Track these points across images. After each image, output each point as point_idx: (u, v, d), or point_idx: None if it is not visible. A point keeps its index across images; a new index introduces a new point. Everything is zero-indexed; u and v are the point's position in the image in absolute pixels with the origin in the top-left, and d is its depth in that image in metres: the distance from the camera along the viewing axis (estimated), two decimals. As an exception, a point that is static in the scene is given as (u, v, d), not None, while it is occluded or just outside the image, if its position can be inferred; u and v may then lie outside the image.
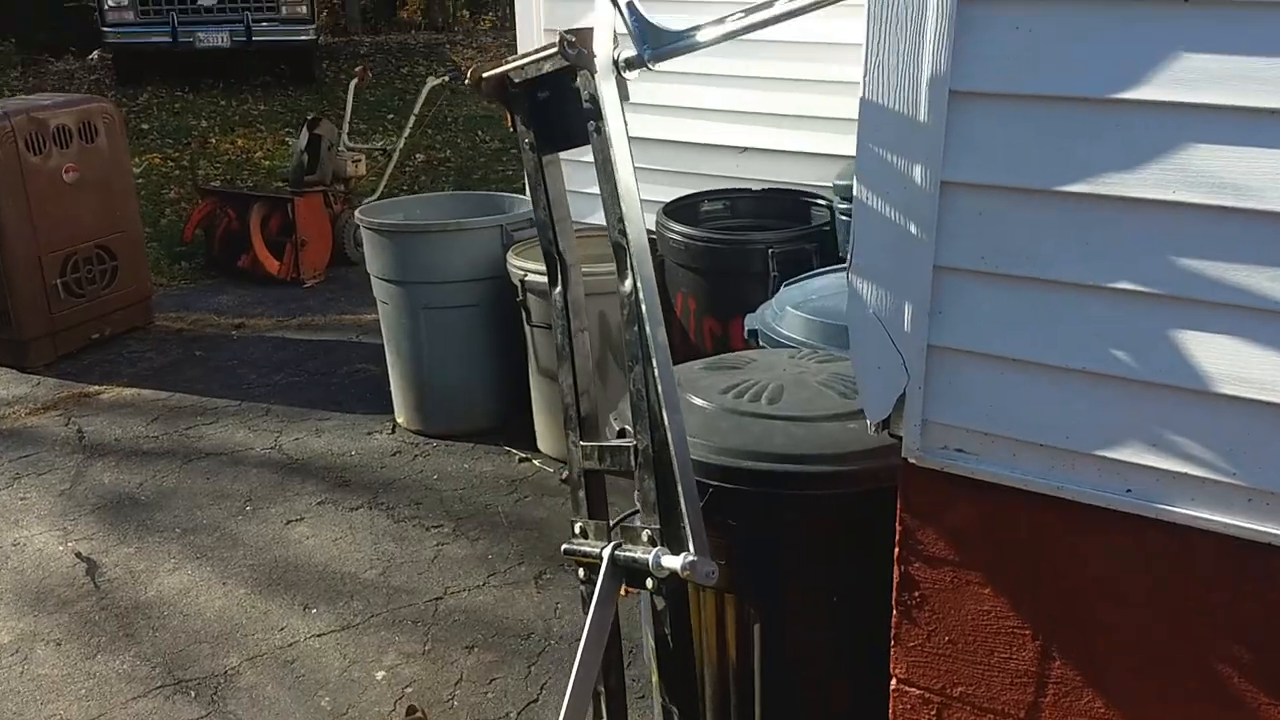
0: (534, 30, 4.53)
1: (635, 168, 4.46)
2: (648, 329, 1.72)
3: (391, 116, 11.01)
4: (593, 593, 1.89)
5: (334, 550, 3.54)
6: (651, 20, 1.68)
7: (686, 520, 1.74)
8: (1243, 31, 1.28)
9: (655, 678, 2.08)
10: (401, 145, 7.48)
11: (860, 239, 1.62)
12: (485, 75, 1.87)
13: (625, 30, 1.69)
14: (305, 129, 6.76)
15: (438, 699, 2.79)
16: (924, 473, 1.73)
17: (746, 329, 2.86)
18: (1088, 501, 1.59)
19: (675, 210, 3.89)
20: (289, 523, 3.73)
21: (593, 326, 3.88)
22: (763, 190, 3.94)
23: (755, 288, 3.41)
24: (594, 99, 1.71)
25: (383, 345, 4.57)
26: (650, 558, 1.73)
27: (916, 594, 1.83)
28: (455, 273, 4.19)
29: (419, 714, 2.49)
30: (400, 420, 4.51)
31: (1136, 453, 1.51)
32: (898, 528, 1.83)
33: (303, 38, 11.93)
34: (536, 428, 4.21)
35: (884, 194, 1.58)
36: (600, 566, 1.81)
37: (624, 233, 1.73)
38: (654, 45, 1.68)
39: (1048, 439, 1.58)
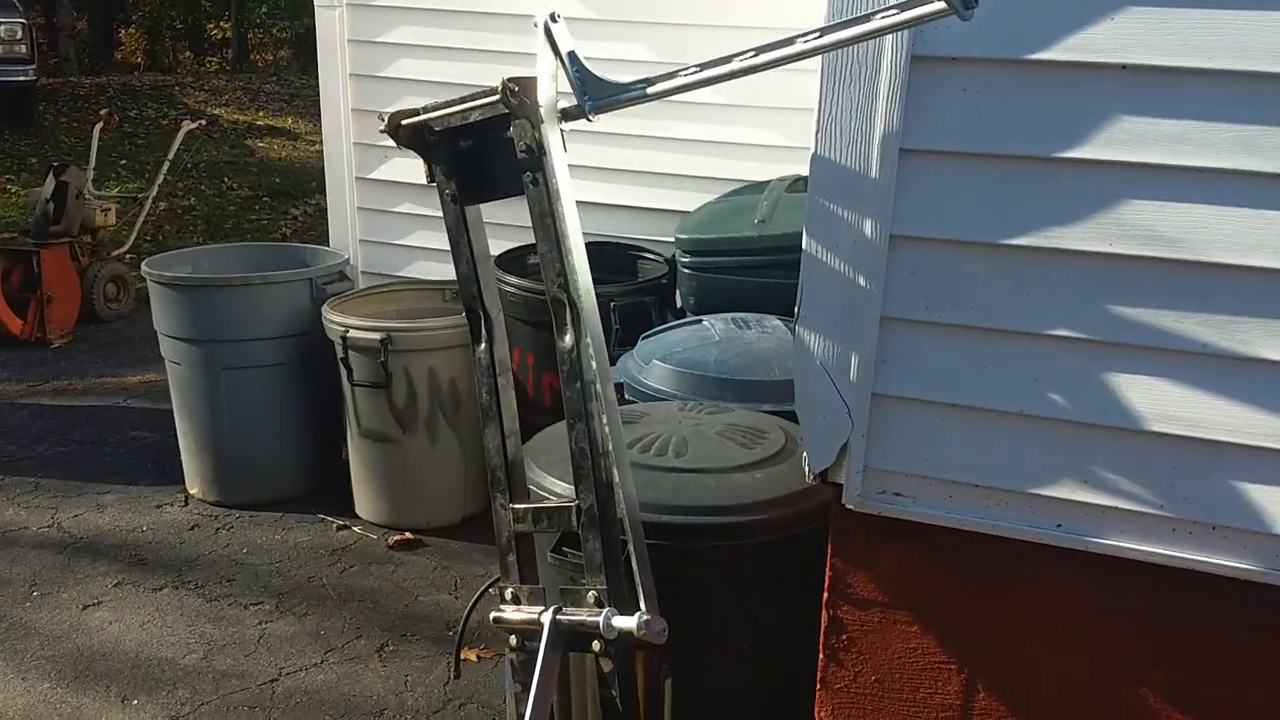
0: (340, 100, 4.39)
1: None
2: (597, 385, 1.69)
3: (124, 162, 10.31)
4: (527, 661, 1.82)
5: (143, 635, 3.22)
6: (594, 72, 1.67)
7: (639, 578, 1.71)
8: (1176, 95, 1.43)
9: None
10: (154, 193, 7.03)
11: (808, 292, 1.67)
12: (404, 122, 1.79)
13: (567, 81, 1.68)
14: (51, 176, 6.23)
15: (291, 791, 2.58)
16: (858, 518, 1.78)
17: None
18: (1019, 538, 1.69)
19: (503, 263, 3.84)
20: (86, 608, 3.36)
21: (420, 384, 3.76)
22: (591, 243, 3.94)
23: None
24: (531, 149, 1.68)
25: (157, 409, 4.25)
26: (601, 619, 1.68)
27: (844, 636, 1.88)
28: (260, 330, 3.95)
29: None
30: (194, 491, 4.18)
31: (1069, 489, 1.63)
32: (828, 573, 1.87)
33: (21, 78, 11.01)
34: (355, 493, 4.01)
35: (833, 247, 1.63)
36: (541, 633, 1.74)
37: (564, 287, 1.70)
38: (595, 96, 1.67)
39: (984, 479, 1.67)
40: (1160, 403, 1.54)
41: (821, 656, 1.91)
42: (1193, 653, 1.68)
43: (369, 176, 4.48)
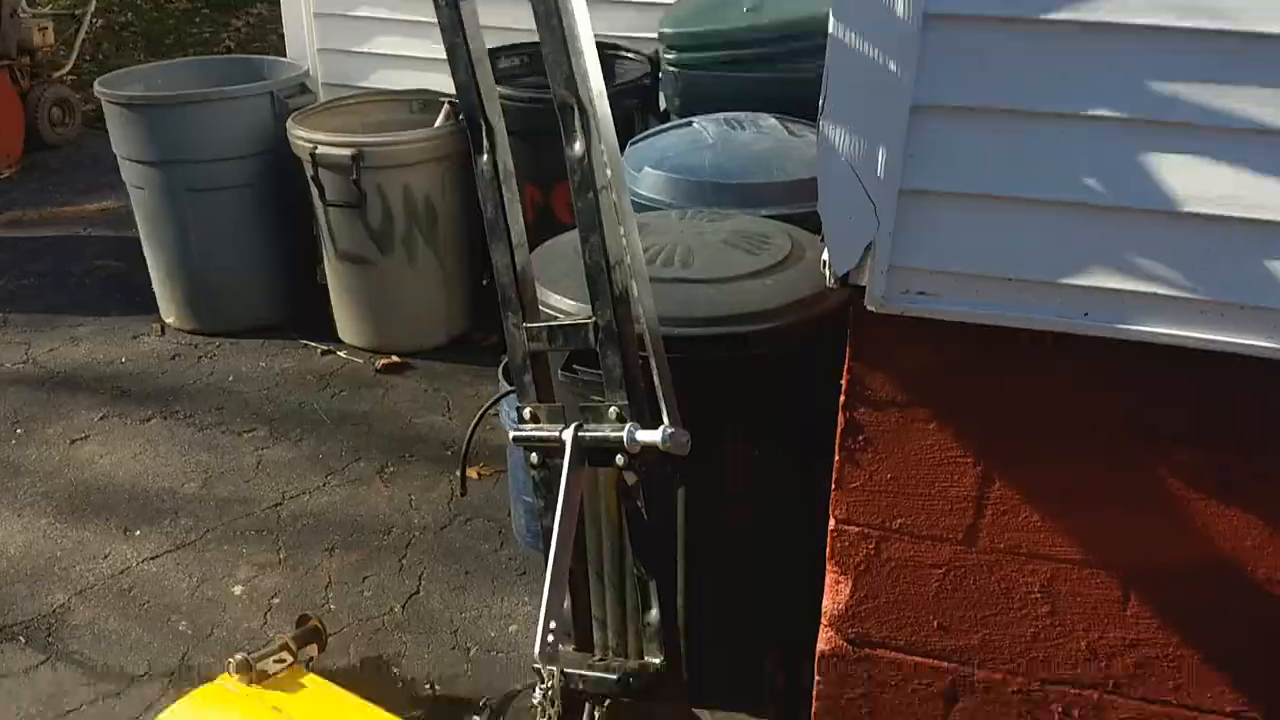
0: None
1: (412, 19, 4.15)
2: (613, 195, 1.61)
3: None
4: (548, 478, 1.81)
5: (137, 467, 3.21)
6: None
7: (660, 392, 1.68)
8: None
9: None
10: (92, 8, 6.64)
11: (834, 82, 1.58)
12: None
13: None
14: (-21, -6, 5.84)
15: (311, 605, 2.62)
16: (879, 320, 1.74)
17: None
18: (1044, 329, 1.67)
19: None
20: (74, 442, 3.33)
21: (395, 202, 3.65)
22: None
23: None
24: (532, -64, 1.54)
25: (120, 238, 4.14)
26: (624, 434, 1.66)
27: (861, 438, 1.88)
28: (223, 149, 3.79)
29: (314, 621, 2.32)
30: (169, 320, 4.10)
31: (1099, 277, 1.59)
32: (845, 377, 1.85)
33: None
34: (336, 317, 3.94)
35: (861, 31, 1.54)
36: (564, 449, 1.72)
37: (573, 91, 1.60)
38: (596, -125, 1.53)
39: (1013, 272, 1.63)
40: (1199, 182, 1.49)
41: (838, 458, 1.91)
42: (1211, 430, 1.69)
43: (323, -21, 4.22)
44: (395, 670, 2.43)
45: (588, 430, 1.72)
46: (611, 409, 1.70)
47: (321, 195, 3.65)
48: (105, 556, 2.80)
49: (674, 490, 1.98)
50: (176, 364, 3.82)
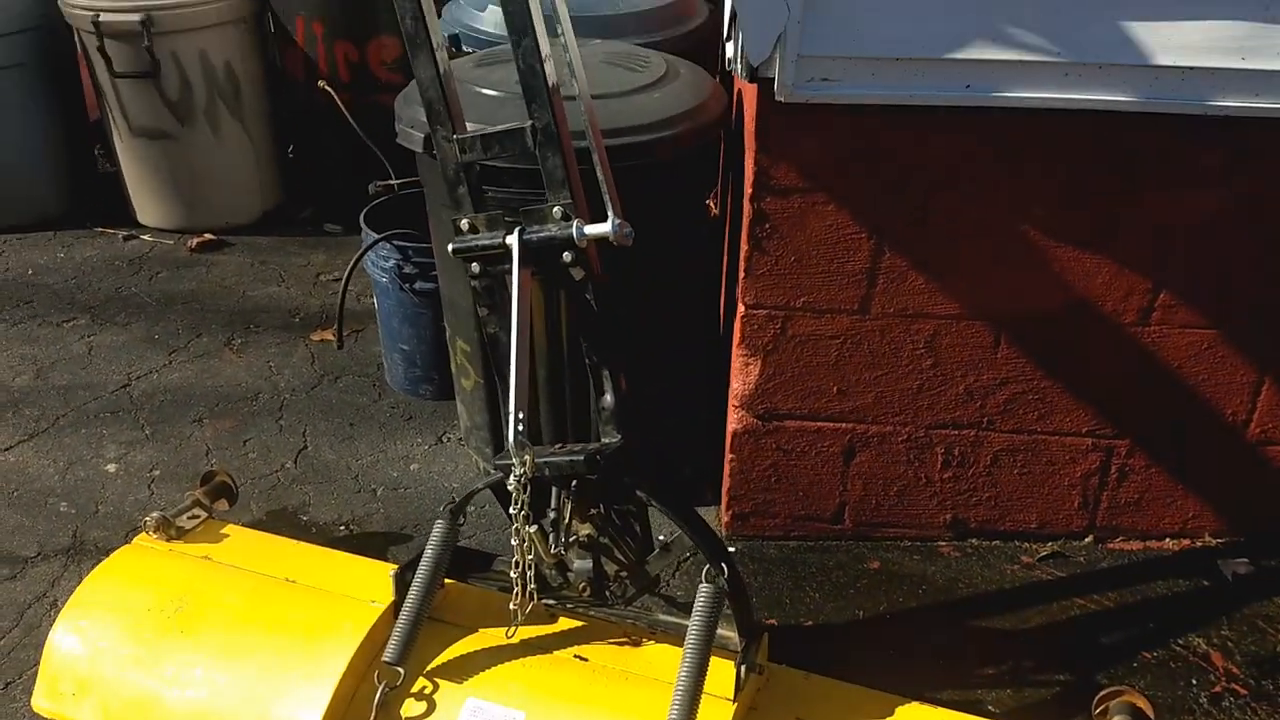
0: None
1: None
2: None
3: None
4: (489, 285, 1.86)
5: (-48, 367, 2.97)
6: None
7: (604, 186, 1.77)
8: None
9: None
10: None
11: None
12: None
13: None
14: None
15: (195, 473, 2.55)
16: (783, 110, 1.90)
17: (442, 35, 2.75)
18: (932, 104, 1.87)
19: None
20: None
21: (193, 69, 3.46)
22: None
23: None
24: None
25: None
26: (573, 230, 1.74)
27: (767, 225, 2.05)
28: (-15, 26, 3.45)
29: (221, 475, 2.28)
30: (-62, 220, 3.74)
31: (978, 50, 1.81)
32: (750, 169, 2.00)
33: None
34: (134, 200, 3.72)
35: None
36: (510, 253, 1.78)
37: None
38: None
39: (904, 51, 1.82)
40: (1065, -46, 1.72)
41: (745, 246, 2.07)
42: (1066, 183, 1.97)
43: None
44: (304, 519, 2.44)
45: (532, 232, 1.79)
46: (555, 209, 1.77)
47: (109, 67, 3.41)
48: (-48, 454, 2.62)
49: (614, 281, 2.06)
50: (-39, 264, 3.52)
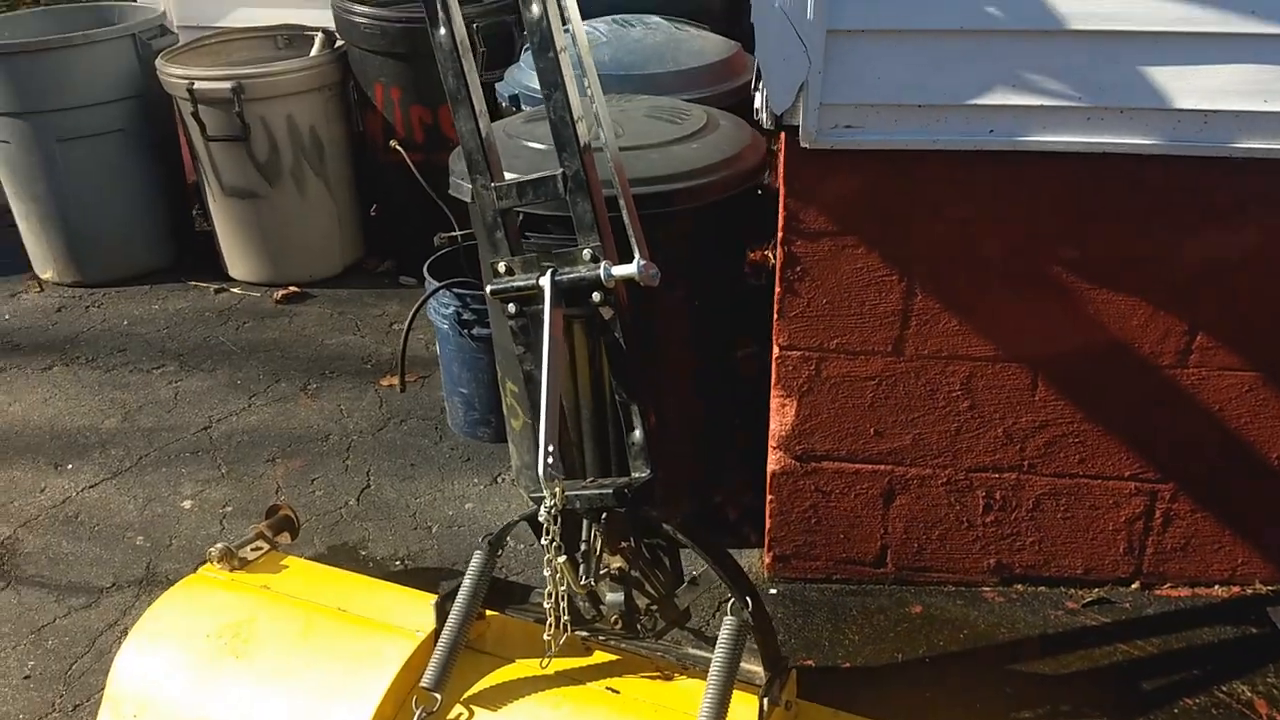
0: None
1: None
2: (572, 52, 1.77)
3: None
4: (525, 325, 1.95)
5: (49, 410, 3.17)
6: None
7: (630, 230, 1.85)
8: None
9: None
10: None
11: (763, -67, 1.78)
12: None
13: None
14: None
15: (265, 509, 2.68)
16: (810, 156, 1.96)
17: (504, 95, 2.89)
18: (956, 148, 1.92)
19: (346, -5, 3.72)
20: (-23, 396, 3.26)
21: (280, 133, 3.67)
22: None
23: (462, 67, 3.39)
24: None
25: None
26: (600, 271, 1.82)
27: (798, 268, 2.10)
28: (89, 94, 3.72)
29: (285, 510, 2.41)
30: (46, 275, 4.00)
31: (1000, 95, 1.85)
32: (781, 214, 2.07)
33: None
34: (226, 255, 3.93)
35: (787, -114, 1.73)
36: (543, 294, 1.87)
37: (527, -46, 1.74)
38: None
39: (925, 99, 1.87)
40: (1080, 2, 1.75)
41: (778, 289, 2.13)
42: (1096, 225, 1.98)
43: (172, -81, 4.15)
44: (363, 553, 2.55)
45: (564, 274, 1.88)
46: (585, 251, 1.86)
47: (203, 131, 3.64)
48: (42, 490, 2.79)
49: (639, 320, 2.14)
50: (65, 315, 3.75)
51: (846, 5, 1.81)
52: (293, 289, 3.84)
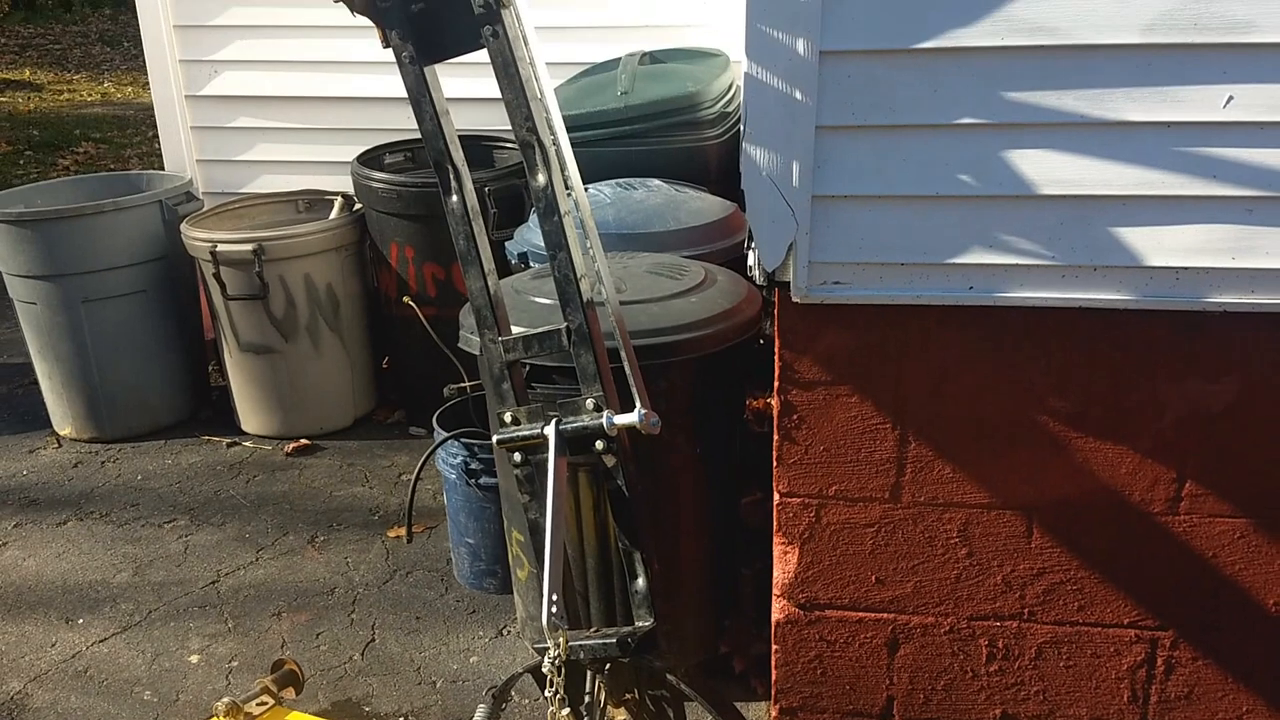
0: (160, 17, 4.27)
1: (291, 127, 4.44)
2: (575, 214, 1.88)
3: None
4: (530, 474, 2.01)
5: (63, 565, 3.21)
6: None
7: (632, 380, 1.94)
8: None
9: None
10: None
11: (752, 111, 1.91)
12: (359, -10, 1.90)
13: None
14: None
15: (270, 665, 2.69)
16: (802, 310, 2.06)
17: (514, 253, 3.02)
18: (938, 303, 2.01)
19: (364, 162, 3.91)
20: (-9, 550, 3.30)
21: (298, 291, 3.81)
22: (446, 139, 4.06)
23: (473, 228, 3.55)
24: (489, 4, 1.82)
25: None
26: (603, 420, 1.90)
27: (795, 417, 2.17)
28: (117, 258, 3.87)
29: (289, 665, 2.43)
30: (64, 432, 4.09)
31: (977, 255, 1.95)
32: (777, 365, 2.15)
33: None
34: (239, 409, 4.03)
35: (771, 67, 1.87)
36: (548, 443, 1.94)
37: (532, 130, 1.87)
38: (543, -49, 1.84)
39: (907, 257, 1.97)
40: (1048, 169, 1.86)
41: (776, 437, 2.19)
42: (1080, 376, 2.05)
43: (200, 94, 4.40)
44: (367, 709, 2.54)
45: (568, 423, 1.95)
46: (589, 400, 1.93)
47: (223, 291, 3.78)
48: (53, 645, 2.81)
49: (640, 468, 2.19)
50: (81, 470, 3.82)
51: (829, 173, 1.92)
52: (304, 441, 3.92)
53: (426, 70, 1.96)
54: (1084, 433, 2.09)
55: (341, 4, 1.93)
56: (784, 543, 2.25)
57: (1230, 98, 1.77)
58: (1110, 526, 2.15)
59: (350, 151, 4.04)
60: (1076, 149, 1.86)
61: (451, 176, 2.01)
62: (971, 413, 2.12)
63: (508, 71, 1.87)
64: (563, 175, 1.92)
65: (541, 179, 1.91)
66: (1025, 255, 1.94)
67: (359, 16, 1.94)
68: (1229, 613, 2.17)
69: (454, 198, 2.02)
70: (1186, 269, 1.90)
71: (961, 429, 2.13)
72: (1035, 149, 1.87)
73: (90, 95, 12.37)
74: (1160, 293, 1.93)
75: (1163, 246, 1.89)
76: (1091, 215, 1.89)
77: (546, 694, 1.86)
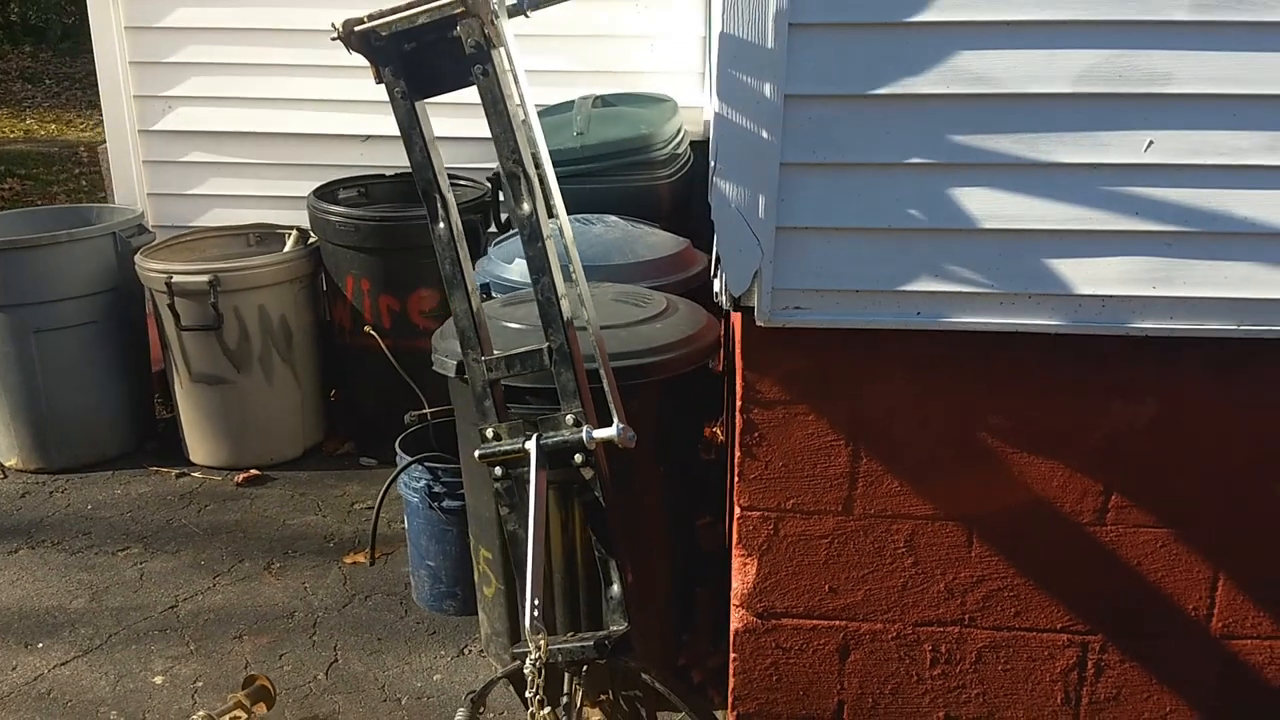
0: (115, 53, 4.33)
1: (244, 162, 4.58)
2: (557, 241, 2.02)
3: None
4: (510, 486, 2.12)
5: (17, 592, 3.21)
6: (526, -22, 1.98)
7: (610, 396, 2.06)
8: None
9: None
10: None
11: (722, 148, 2.07)
12: (356, 29, 2.02)
13: (507, -16, 1.98)
14: None
15: (235, 684, 2.73)
16: (765, 333, 2.21)
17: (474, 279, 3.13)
18: (889, 327, 2.17)
19: (321, 196, 3.99)
20: (-60, 578, 3.28)
21: (252, 322, 3.86)
22: (395, 175, 4.17)
23: (429, 261, 3.65)
24: (480, 44, 1.96)
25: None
26: (583, 434, 2.02)
27: (756, 434, 2.31)
28: (69, 289, 3.89)
29: (261, 680, 2.48)
30: (10, 463, 4.06)
31: (925, 283, 2.12)
32: (739, 385, 2.29)
33: None
34: (188, 440, 4.05)
35: (740, 108, 2.03)
36: (529, 458, 2.05)
37: (518, 162, 2.00)
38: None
39: (862, 285, 2.14)
40: (989, 205, 2.05)
41: (738, 454, 2.33)
42: (1016, 397, 2.24)
43: (153, 129, 4.45)
44: (335, 725, 2.60)
45: (548, 437, 2.07)
46: (568, 416, 2.06)
47: (177, 322, 3.82)
48: (14, 668, 2.81)
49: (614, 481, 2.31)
50: (29, 500, 3.81)
51: (793, 205, 2.09)
52: (254, 472, 3.95)
53: (417, 105, 2.09)
54: (1020, 449, 2.27)
55: (312, 43, 2.05)
56: (743, 555, 2.39)
57: (1150, 142, 1.98)
58: (1044, 536, 2.32)
59: (299, 187, 4.12)
60: (1014, 187, 2.05)
61: (439, 204, 2.14)
62: (920, 429, 2.28)
63: (496, 108, 2.00)
64: (547, 205, 2.06)
65: (526, 208, 2.04)
66: (967, 284, 2.12)
67: (355, 54, 2.06)
68: (1152, 618, 2.35)
69: (441, 224, 2.14)
70: (1112, 297, 2.10)
71: (910, 444, 2.30)
72: (977, 187, 2.06)
73: (13, 132, 12.18)
74: (1088, 319, 2.12)
75: (1091, 277, 2.09)
76: (1027, 247, 2.08)
77: (527, 694, 1.96)
